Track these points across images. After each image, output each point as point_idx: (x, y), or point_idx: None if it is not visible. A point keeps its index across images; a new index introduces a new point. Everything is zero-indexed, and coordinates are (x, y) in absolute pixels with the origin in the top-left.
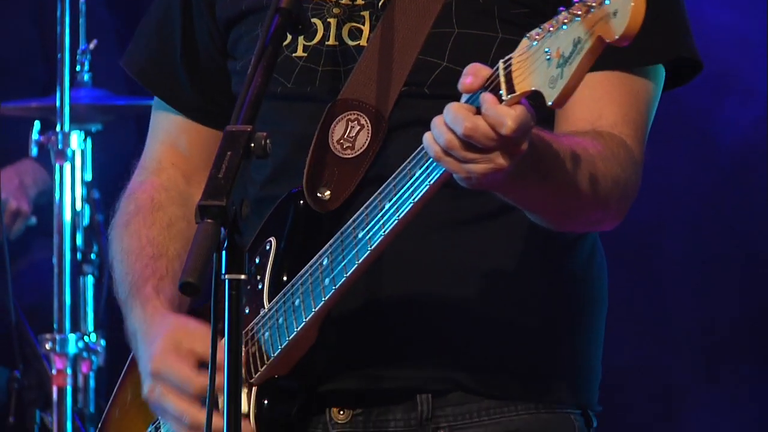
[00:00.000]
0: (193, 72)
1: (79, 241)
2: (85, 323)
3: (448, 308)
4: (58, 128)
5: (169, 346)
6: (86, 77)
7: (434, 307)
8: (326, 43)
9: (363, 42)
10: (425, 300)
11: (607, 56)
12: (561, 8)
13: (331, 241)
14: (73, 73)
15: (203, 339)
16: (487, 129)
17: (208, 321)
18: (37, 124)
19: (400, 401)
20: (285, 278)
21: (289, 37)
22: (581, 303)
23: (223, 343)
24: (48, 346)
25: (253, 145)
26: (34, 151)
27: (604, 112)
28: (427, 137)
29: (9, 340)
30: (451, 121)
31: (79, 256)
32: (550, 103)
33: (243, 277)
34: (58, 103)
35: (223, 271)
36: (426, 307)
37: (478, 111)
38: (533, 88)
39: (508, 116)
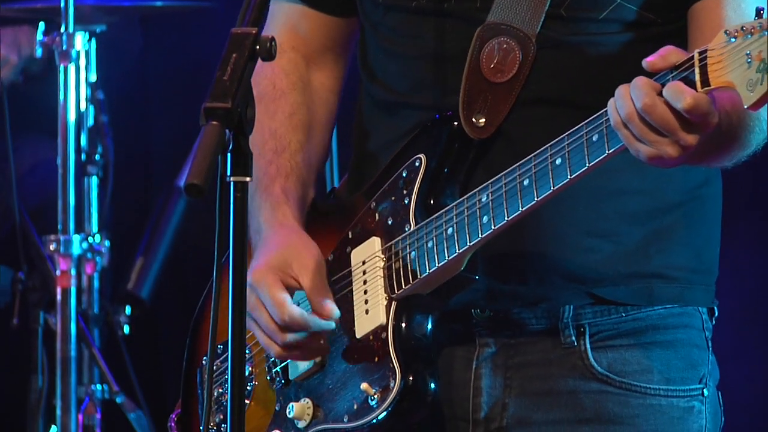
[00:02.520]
0: None
1: (83, 142)
2: (89, 224)
3: (581, 227)
4: (62, 29)
5: (276, 264)
6: None
7: (569, 227)
8: None
9: None
10: (559, 220)
11: None
12: (760, 8)
13: (492, 180)
14: None
15: (310, 273)
16: (665, 109)
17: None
18: (41, 25)
19: (542, 311)
20: (432, 201)
21: None
22: (708, 205)
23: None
24: (52, 247)
25: (258, 47)
26: (38, 52)
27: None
28: (610, 104)
29: (13, 241)
30: (634, 94)
31: (83, 156)
32: (746, 106)
33: (248, 179)
34: (62, 4)
35: (228, 173)
36: (561, 227)
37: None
38: (733, 85)
39: (701, 101)
